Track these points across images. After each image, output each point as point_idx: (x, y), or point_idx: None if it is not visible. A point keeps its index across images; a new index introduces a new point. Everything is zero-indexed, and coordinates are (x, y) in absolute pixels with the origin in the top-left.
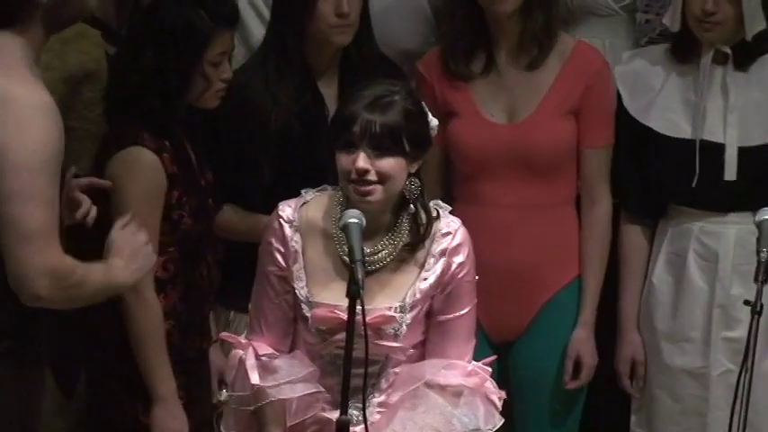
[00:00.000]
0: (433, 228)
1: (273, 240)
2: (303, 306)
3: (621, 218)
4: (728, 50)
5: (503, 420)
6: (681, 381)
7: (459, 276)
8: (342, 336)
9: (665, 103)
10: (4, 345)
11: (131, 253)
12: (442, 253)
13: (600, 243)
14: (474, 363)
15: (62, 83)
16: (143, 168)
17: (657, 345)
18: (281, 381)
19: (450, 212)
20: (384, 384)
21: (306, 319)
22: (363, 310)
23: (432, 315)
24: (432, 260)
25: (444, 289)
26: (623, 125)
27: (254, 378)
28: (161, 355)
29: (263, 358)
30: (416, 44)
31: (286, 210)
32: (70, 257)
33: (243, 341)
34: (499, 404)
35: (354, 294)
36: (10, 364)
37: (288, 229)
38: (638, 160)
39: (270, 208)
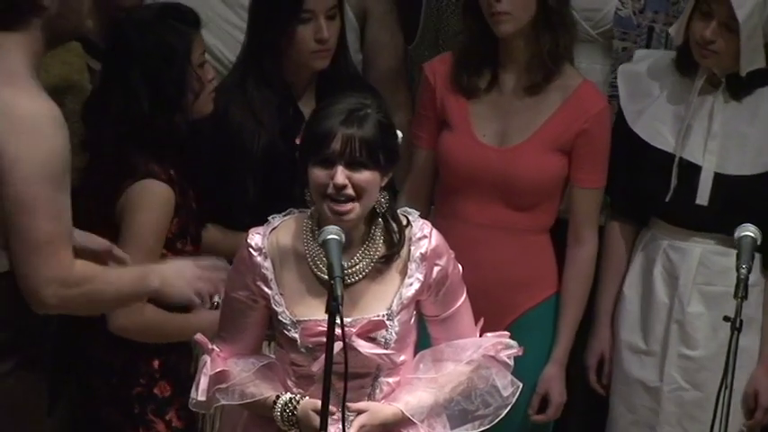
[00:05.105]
0: (407, 234)
1: (242, 268)
2: (289, 329)
3: (609, 215)
4: (722, 78)
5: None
6: (636, 392)
7: (449, 275)
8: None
9: (656, 112)
10: (11, 362)
11: (181, 271)
12: (423, 257)
13: (582, 284)
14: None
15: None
16: (156, 201)
17: (620, 353)
18: (231, 383)
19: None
20: (379, 395)
21: (292, 340)
22: (342, 324)
23: (431, 316)
24: (413, 265)
25: (438, 291)
26: (619, 125)
27: (198, 395)
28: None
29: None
30: None
31: (255, 238)
32: (84, 265)
33: (209, 347)
34: (511, 363)
35: (333, 310)
36: (18, 379)
37: (258, 257)
38: (629, 163)
39: (256, 225)
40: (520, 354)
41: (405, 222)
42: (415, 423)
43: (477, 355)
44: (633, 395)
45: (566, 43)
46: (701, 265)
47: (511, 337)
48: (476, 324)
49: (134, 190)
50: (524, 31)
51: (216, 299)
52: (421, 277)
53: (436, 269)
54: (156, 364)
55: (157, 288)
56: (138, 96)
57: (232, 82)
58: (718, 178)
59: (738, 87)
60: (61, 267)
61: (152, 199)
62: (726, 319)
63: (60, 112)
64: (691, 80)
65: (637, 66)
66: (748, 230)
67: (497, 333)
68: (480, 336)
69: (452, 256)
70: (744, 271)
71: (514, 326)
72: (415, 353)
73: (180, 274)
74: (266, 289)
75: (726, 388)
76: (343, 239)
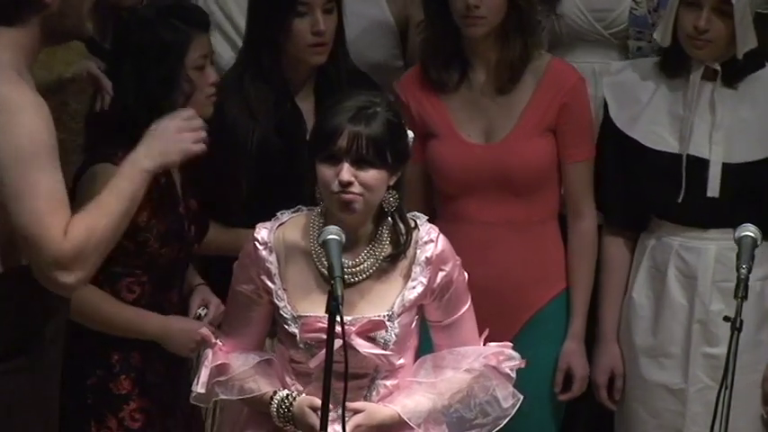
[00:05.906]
0: (413, 237)
1: (247, 261)
2: (289, 323)
3: (603, 230)
4: (718, 67)
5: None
6: (658, 396)
7: (453, 281)
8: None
9: (651, 116)
10: (20, 360)
11: (160, 133)
12: (428, 261)
13: (587, 256)
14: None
15: (50, 94)
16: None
17: (636, 359)
18: (230, 376)
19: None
20: (375, 397)
21: (292, 336)
22: (343, 324)
23: (435, 321)
24: (417, 269)
25: (441, 297)
26: (609, 136)
27: (199, 387)
28: (124, 312)
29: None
30: (382, 57)
31: (261, 232)
32: (76, 226)
33: (213, 342)
34: (513, 375)
35: (333, 310)
36: (26, 378)
37: (263, 252)
38: (623, 172)
39: (250, 222)
40: (522, 365)
41: (412, 225)
42: (411, 427)
43: (478, 363)
44: (656, 399)
45: (534, 42)
46: (717, 262)
47: (514, 348)
48: (480, 335)
49: (89, 172)
50: (494, 31)
51: (200, 311)
52: (424, 281)
53: (441, 274)
54: (114, 357)
55: (146, 167)
56: (126, 90)
57: (232, 78)
58: (727, 168)
59: (734, 74)
60: (60, 242)
61: (102, 181)
62: (726, 319)
63: (44, 102)
64: (682, 79)
65: (619, 76)
66: (748, 230)
67: (500, 344)
68: (485, 344)
69: (458, 262)
70: (744, 271)
71: (534, 320)
72: (416, 358)
73: (160, 135)
74: (270, 283)
75: (726, 388)
76: (344, 239)
